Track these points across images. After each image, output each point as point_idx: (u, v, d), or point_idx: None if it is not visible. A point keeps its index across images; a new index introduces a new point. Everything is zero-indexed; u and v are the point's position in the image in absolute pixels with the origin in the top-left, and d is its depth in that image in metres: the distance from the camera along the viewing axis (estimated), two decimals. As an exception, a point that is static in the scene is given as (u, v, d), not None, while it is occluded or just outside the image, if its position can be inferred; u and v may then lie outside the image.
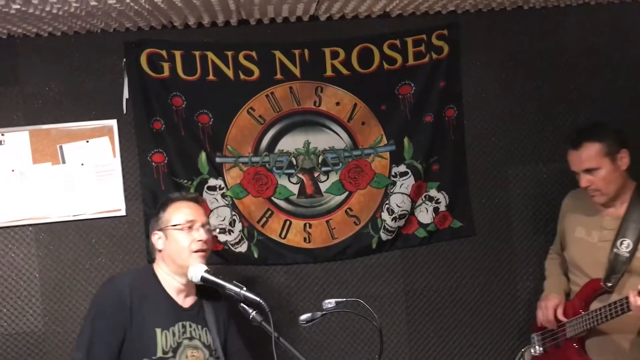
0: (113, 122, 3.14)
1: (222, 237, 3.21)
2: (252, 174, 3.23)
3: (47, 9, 2.60)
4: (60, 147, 3.11)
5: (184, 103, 3.16)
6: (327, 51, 3.23)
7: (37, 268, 3.11)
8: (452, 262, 3.39)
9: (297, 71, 3.23)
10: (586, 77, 3.40)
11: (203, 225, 2.47)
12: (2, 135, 3.07)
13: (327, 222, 3.29)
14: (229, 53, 3.17)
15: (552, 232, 3.09)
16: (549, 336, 2.86)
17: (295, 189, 3.27)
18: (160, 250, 2.47)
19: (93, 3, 2.53)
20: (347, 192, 3.30)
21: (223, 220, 3.21)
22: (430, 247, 3.38)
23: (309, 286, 3.30)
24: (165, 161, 3.17)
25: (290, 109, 3.25)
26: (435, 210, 3.36)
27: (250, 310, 2.23)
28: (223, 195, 3.22)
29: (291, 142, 3.25)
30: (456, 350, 3.39)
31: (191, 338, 2.43)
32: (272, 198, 3.26)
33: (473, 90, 3.36)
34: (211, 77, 3.17)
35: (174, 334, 2.39)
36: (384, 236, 3.31)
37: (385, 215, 3.31)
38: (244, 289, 2.25)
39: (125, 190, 3.15)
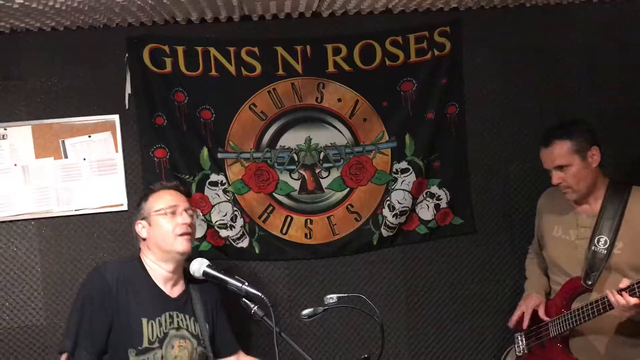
0: (115, 117, 3.15)
1: (224, 233, 3.22)
2: (253, 169, 3.24)
3: (50, 3, 2.60)
4: (63, 142, 3.12)
5: (186, 98, 3.16)
6: (329, 47, 3.23)
7: (39, 262, 3.11)
8: (453, 258, 3.40)
9: (299, 67, 3.23)
10: (588, 74, 3.40)
11: (186, 210, 2.49)
12: (5, 129, 3.08)
13: (328, 218, 3.30)
14: (232, 49, 3.17)
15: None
16: (533, 336, 2.86)
17: (296, 185, 3.28)
18: (144, 239, 2.49)
19: (96, -2, 2.55)
20: (348, 189, 3.30)
21: (224, 215, 3.22)
22: (431, 243, 3.38)
23: (309, 282, 3.31)
24: (167, 156, 3.18)
25: (292, 105, 3.25)
26: (437, 207, 3.36)
27: (252, 305, 2.25)
28: (225, 191, 3.23)
29: (293, 138, 3.26)
30: (456, 346, 3.40)
31: (179, 328, 2.43)
32: (274, 194, 3.26)
33: (475, 88, 3.36)
34: (213, 72, 3.17)
35: (160, 324, 2.39)
36: (385, 232, 3.32)
37: (386, 211, 3.31)
38: (246, 284, 2.27)
39: (127, 185, 3.15)
